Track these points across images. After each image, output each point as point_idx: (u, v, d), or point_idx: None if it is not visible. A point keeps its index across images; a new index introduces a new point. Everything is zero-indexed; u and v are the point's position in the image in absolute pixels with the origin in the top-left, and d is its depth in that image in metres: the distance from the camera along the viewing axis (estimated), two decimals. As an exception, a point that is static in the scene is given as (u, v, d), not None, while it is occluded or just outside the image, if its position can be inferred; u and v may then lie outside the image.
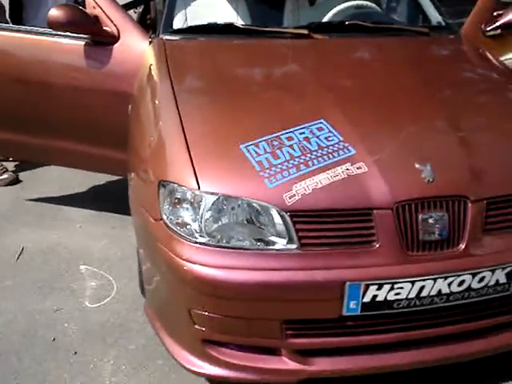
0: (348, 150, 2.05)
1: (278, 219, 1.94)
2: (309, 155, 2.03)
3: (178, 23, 3.03)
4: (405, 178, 1.99)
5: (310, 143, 2.07)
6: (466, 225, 1.99)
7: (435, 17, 3.18)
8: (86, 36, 2.87)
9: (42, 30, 3.00)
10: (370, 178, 1.97)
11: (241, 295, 1.94)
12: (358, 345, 2.06)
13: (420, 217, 1.94)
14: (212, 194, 1.95)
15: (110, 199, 3.52)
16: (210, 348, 2.09)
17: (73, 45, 2.90)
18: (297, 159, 2.01)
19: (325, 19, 3.14)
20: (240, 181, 1.99)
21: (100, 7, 2.85)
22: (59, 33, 2.89)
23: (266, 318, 1.99)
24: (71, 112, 3.02)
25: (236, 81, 2.50)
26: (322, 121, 2.16)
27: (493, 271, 2.00)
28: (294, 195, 1.93)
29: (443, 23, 3.13)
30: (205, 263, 1.94)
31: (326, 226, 1.94)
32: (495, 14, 3.23)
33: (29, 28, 3.11)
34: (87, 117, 2.99)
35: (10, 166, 4.05)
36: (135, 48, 2.84)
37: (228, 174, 2.01)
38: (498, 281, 2.02)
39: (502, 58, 3.26)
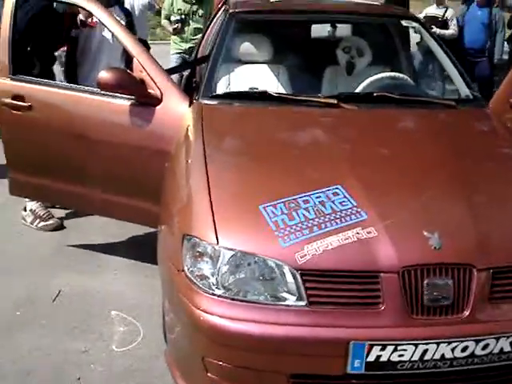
0: (360, 214, 2.18)
1: (289, 277, 2.06)
2: (322, 218, 2.16)
3: (221, 87, 3.27)
4: (412, 244, 2.10)
5: (324, 207, 2.21)
6: (471, 292, 2.07)
7: (464, 90, 3.31)
8: (131, 97, 3.11)
9: (94, 89, 3.25)
10: (378, 243, 2.09)
11: (252, 347, 2.05)
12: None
13: (425, 282, 2.04)
14: (230, 249, 2.10)
15: (146, 249, 3.66)
16: (221, 396, 2.20)
17: (120, 105, 3.13)
18: (311, 221, 2.15)
19: (358, 89, 3.31)
20: (256, 239, 2.13)
21: (146, 71, 3.09)
22: (108, 93, 3.13)
23: (275, 371, 2.10)
24: (115, 166, 3.23)
25: (263, 145, 2.67)
26: (338, 186, 2.29)
27: (497, 339, 2.06)
28: (306, 255, 2.06)
29: (471, 96, 3.26)
30: (220, 314, 2.07)
31: (334, 285, 2.06)
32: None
33: (83, 87, 3.41)
34: (129, 171, 3.19)
35: (58, 212, 4.29)
36: (176, 110, 3.05)
37: (245, 232, 2.16)
38: (502, 349, 2.08)
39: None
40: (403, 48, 3.95)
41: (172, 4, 6.42)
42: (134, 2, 6.64)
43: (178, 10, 6.37)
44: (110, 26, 3.25)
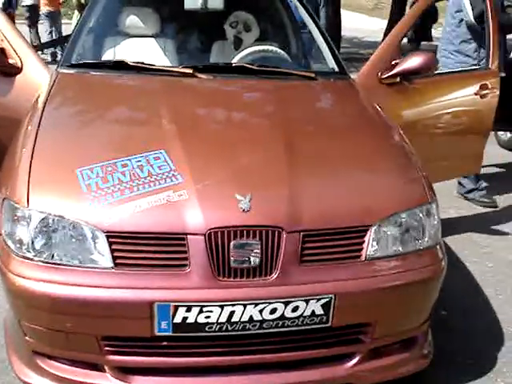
0: (176, 178, 2.17)
1: (97, 239, 2.06)
2: (136, 181, 2.15)
3: (85, 57, 3.25)
4: (221, 206, 2.11)
5: (142, 170, 2.20)
6: (280, 255, 2.08)
7: (331, 63, 3.33)
8: (-8, 66, 3.07)
9: None
10: (188, 206, 2.09)
11: (57, 309, 2.06)
12: (174, 366, 2.15)
13: (232, 244, 2.05)
14: (40, 212, 2.09)
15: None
16: (40, 359, 2.20)
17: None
18: (124, 184, 2.14)
19: (234, 60, 3.31)
20: (66, 201, 2.12)
21: (7, 40, 3.05)
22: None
23: (83, 333, 2.09)
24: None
25: (100, 111, 2.66)
26: (162, 151, 2.28)
27: (307, 302, 2.08)
28: (113, 217, 2.06)
29: (336, 69, 3.29)
30: (29, 277, 2.06)
31: (140, 247, 2.06)
32: (394, 62, 3.36)
33: None
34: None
35: None
36: (36, 79, 3.03)
37: (56, 195, 2.14)
38: (314, 312, 2.10)
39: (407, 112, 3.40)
40: (290, 22, 3.96)
41: None
42: None
43: None
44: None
